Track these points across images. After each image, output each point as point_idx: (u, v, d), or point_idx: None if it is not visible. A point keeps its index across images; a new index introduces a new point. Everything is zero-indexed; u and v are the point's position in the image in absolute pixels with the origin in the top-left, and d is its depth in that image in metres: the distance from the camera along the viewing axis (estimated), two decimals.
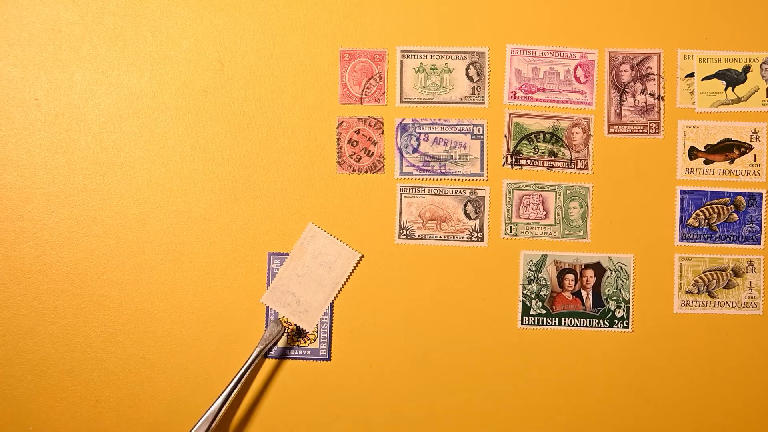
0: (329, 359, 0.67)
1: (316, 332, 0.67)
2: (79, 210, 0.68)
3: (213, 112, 0.68)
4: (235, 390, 0.64)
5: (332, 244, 0.65)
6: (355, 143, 0.68)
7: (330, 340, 0.67)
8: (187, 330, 0.68)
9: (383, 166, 0.68)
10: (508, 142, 0.68)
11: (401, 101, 0.68)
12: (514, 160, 0.68)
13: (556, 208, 0.68)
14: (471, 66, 0.68)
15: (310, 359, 0.67)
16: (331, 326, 0.67)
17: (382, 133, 0.68)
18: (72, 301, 0.67)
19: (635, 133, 0.68)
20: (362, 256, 0.67)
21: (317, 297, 0.65)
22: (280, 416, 0.67)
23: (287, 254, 0.67)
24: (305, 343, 0.67)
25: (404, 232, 0.68)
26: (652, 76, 0.68)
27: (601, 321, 0.68)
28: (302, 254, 0.64)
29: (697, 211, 0.68)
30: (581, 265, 0.68)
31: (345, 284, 0.67)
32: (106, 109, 0.68)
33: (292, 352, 0.67)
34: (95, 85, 0.68)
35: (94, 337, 0.67)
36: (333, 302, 0.67)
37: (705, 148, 0.68)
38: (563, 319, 0.68)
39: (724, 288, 0.68)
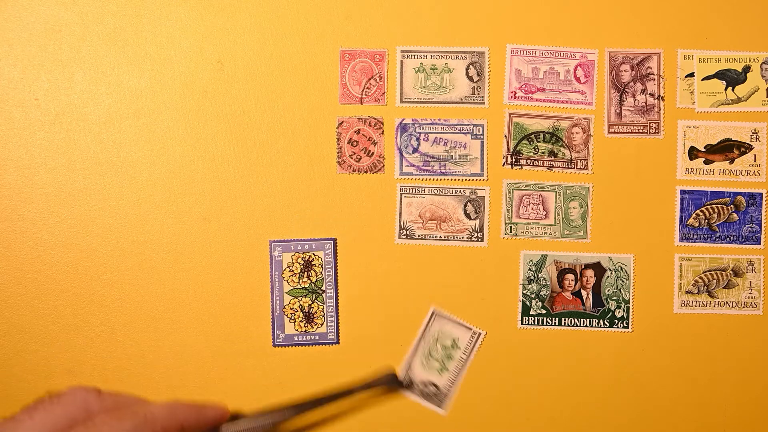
0: (338, 343, 0.67)
1: (323, 320, 0.67)
2: (79, 210, 0.68)
3: (213, 112, 0.68)
4: (315, 408, 0.63)
5: (454, 326, 0.67)
6: (355, 143, 0.68)
7: (337, 330, 0.68)
8: (187, 330, 0.68)
9: (383, 166, 0.68)
10: (508, 142, 0.68)
11: (401, 101, 0.68)
12: (514, 160, 0.68)
13: (556, 208, 0.68)
14: (471, 66, 0.68)
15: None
16: (337, 327, 0.67)
17: (382, 133, 0.68)
18: (72, 301, 0.67)
19: (635, 133, 0.68)
20: (485, 332, 0.67)
21: (448, 379, 0.67)
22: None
23: (288, 244, 0.67)
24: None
25: (404, 232, 0.68)
26: (652, 76, 0.68)
27: (601, 321, 0.68)
28: (427, 339, 0.67)
29: (697, 211, 0.68)
30: (581, 265, 0.68)
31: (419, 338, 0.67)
32: (106, 109, 0.68)
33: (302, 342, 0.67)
34: (95, 85, 0.68)
35: (93, 337, 0.67)
36: (337, 304, 0.68)
37: (705, 148, 0.68)
38: (563, 319, 0.68)
39: (724, 288, 0.68)
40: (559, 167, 0.68)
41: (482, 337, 0.67)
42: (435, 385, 0.67)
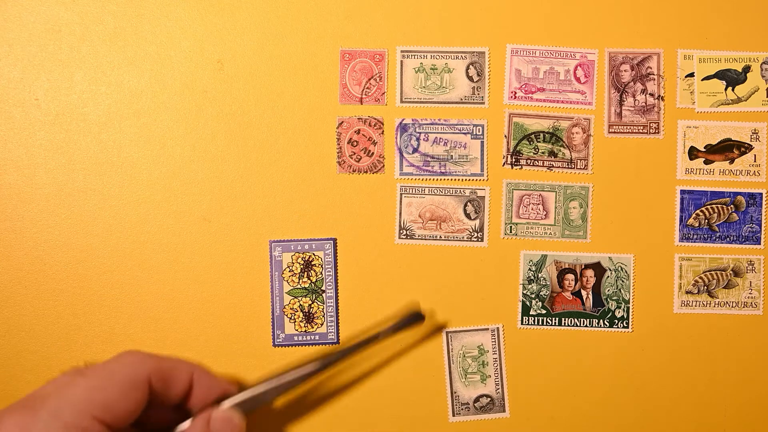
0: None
1: (323, 320, 0.67)
2: (79, 210, 0.68)
3: (213, 112, 0.68)
4: (340, 360, 0.63)
5: (472, 335, 0.67)
6: (355, 143, 0.68)
7: (337, 330, 0.68)
8: (187, 330, 0.68)
9: (383, 166, 0.68)
10: (508, 142, 0.68)
11: (401, 101, 0.68)
12: (514, 160, 0.68)
13: (556, 208, 0.68)
14: (471, 66, 0.68)
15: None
16: (337, 327, 0.68)
17: (382, 133, 0.68)
18: (72, 301, 0.67)
19: (635, 133, 0.68)
20: (502, 325, 0.68)
21: (494, 383, 0.67)
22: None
23: (288, 244, 0.67)
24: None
25: (404, 232, 0.68)
26: (652, 76, 0.68)
27: (601, 321, 0.68)
28: (455, 361, 0.67)
29: (697, 211, 0.68)
30: (581, 265, 0.68)
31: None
32: (106, 109, 0.68)
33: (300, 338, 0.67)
34: (95, 85, 0.68)
35: (94, 337, 0.67)
36: (337, 304, 0.68)
37: (705, 148, 0.68)
38: (563, 319, 0.68)
39: (724, 288, 0.68)
40: (559, 167, 0.68)
41: (501, 330, 0.67)
42: (486, 396, 0.67)
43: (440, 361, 0.67)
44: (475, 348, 0.67)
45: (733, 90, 0.68)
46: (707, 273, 0.68)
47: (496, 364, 0.67)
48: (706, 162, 0.68)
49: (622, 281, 0.68)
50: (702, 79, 0.68)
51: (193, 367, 0.58)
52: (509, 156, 0.68)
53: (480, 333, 0.67)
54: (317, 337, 0.67)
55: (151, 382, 0.54)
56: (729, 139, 0.68)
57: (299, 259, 0.68)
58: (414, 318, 0.65)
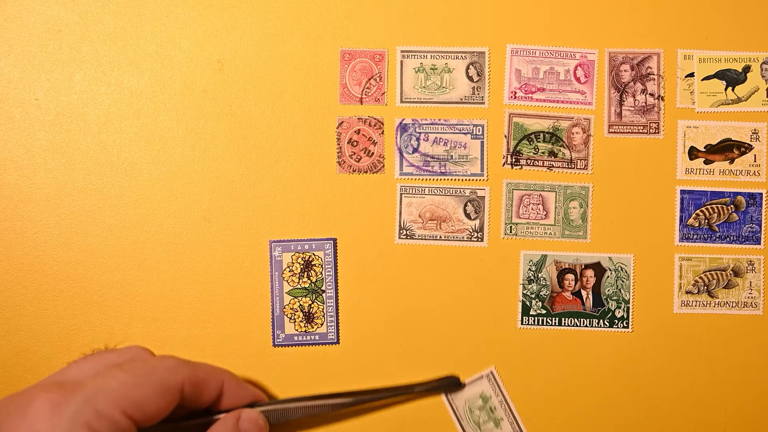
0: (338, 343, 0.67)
1: (323, 320, 0.67)
2: (79, 210, 0.68)
3: (213, 112, 0.68)
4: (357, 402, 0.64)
5: (470, 387, 0.67)
6: (355, 143, 0.68)
7: (337, 330, 0.68)
8: (187, 330, 0.68)
9: (383, 166, 0.68)
10: (508, 142, 0.68)
11: (401, 101, 0.68)
12: (514, 160, 0.68)
13: (556, 208, 0.68)
14: (471, 66, 0.68)
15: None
16: (337, 327, 0.68)
17: (382, 133, 0.68)
18: (72, 301, 0.67)
19: (635, 133, 0.68)
20: (494, 367, 0.67)
21: (509, 425, 0.67)
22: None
23: (288, 244, 0.67)
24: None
25: (404, 232, 0.68)
26: (652, 76, 0.68)
27: (601, 321, 0.68)
28: (464, 417, 0.67)
29: (697, 211, 0.68)
30: (581, 265, 0.68)
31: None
32: (106, 109, 0.68)
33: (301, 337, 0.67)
34: (95, 85, 0.68)
35: (93, 337, 0.67)
36: (337, 304, 0.68)
37: (705, 148, 0.68)
38: (563, 319, 0.68)
39: (724, 288, 0.68)
40: (559, 167, 0.68)
41: (495, 372, 0.67)
42: None
43: (448, 420, 0.67)
44: (479, 398, 0.67)
45: (733, 90, 0.68)
46: (707, 273, 0.68)
47: (503, 405, 0.67)
48: (706, 162, 0.68)
49: (622, 281, 0.68)
50: (702, 79, 0.68)
51: (224, 376, 0.60)
52: (509, 156, 0.68)
53: (477, 383, 0.67)
54: (317, 337, 0.67)
55: (184, 388, 0.56)
56: (729, 139, 0.68)
57: (299, 259, 0.68)
58: (452, 384, 0.66)
